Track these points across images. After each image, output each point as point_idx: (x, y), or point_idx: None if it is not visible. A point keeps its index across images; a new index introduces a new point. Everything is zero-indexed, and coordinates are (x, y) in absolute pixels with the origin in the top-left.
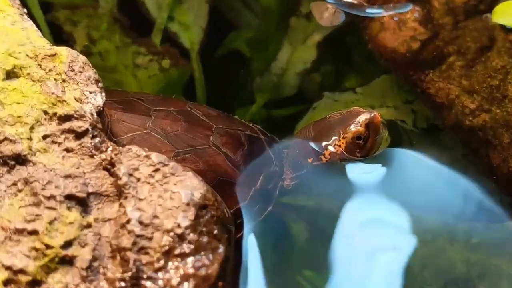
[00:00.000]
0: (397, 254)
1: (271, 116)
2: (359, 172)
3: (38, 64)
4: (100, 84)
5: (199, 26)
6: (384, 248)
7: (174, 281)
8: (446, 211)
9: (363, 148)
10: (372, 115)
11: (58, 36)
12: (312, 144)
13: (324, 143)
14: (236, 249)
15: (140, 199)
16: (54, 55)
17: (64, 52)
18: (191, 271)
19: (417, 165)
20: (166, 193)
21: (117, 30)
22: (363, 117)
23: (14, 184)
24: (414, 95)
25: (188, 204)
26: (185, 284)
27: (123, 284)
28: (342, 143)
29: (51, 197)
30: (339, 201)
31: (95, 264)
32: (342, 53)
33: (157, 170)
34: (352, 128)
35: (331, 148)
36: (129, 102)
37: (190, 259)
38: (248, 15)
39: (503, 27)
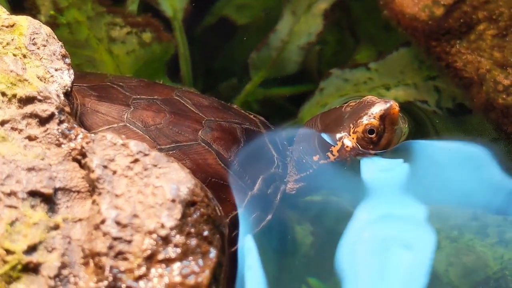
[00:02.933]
0: (418, 251)
1: (269, 97)
2: (374, 171)
3: None
4: (68, 60)
5: None
6: (403, 245)
7: None
8: (475, 204)
9: (378, 143)
10: (388, 105)
11: (18, 3)
12: (319, 139)
13: (332, 138)
14: (231, 259)
15: (117, 196)
16: (12, 25)
17: (24, 22)
18: (177, 279)
19: (442, 157)
20: (148, 188)
21: None
22: (378, 108)
23: None
24: (437, 71)
25: (173, 201)
26: None
27: None
28: (353, 138)
29: (12, 193)
30: (349, 208)
31: (65, 272)
32: (352, 23)
33: (136, 161)
34: (364, 120)
35: (343, 143)
36: (105, 89)
37: (176, 265)
38: None
39: None
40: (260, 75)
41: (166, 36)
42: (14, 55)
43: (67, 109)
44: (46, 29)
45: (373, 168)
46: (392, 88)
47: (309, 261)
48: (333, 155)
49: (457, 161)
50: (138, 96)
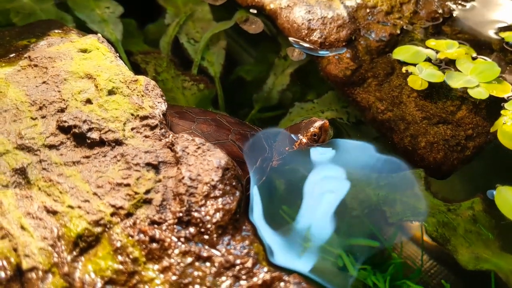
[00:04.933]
0: (338, 192)
1: (263, 117)
2: (315, 153)
3: (127, 86)
4: (164, 98)
5: (219, 63)
6: (330, 190)
7: (211, 212)
8: (366, 168)
9: (318, 141)
10: (323, 122)
11: (137, 70)
12: (289, 138)
13: (295, 138)
14: (247, 198)
15: (189, 165)
16: (136, 80)
17: (142, 78)
18: (220, 206)
19: (349, 146)
20: (204, 161)
21: (172, 66)
22: (318, 123)
23: (115, 157)
24: (348, 103)
25: (218, 167)
26: (217, 214)
27: (180, 214)
28: (306, 137)
29: (137, 164)
30: (303, 169)
31: (164, 203)
32: (305, 79)
33: (199, 147)
34: (311, 129)
35: (301, 140)
36: (182, 113)
37: (220, 199)
38: (247, 57)
39: (399, 61)
40: (258, 106)
41: (211, 85)
42: (137, 95)
43: (164, 122)
44: (153, 82)
45: (316, 152)
46: (325, 112)
47: (283, 197)
48: (296, 146)
49: (357, 148)
50: (199, 117)
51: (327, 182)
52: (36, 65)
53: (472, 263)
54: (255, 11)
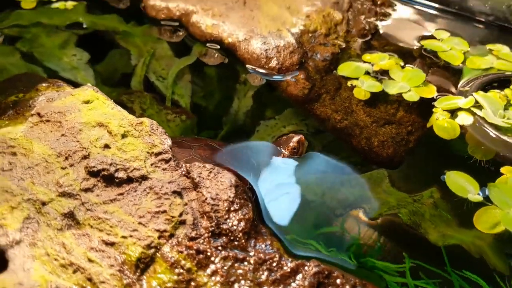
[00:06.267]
0: (316, 193)
1: (231, 137)
2: (295, 162)
3: (134, 128)
4: (167, 134)
5: (188, 95)
6: (314, 193)
7: (235, 223)
8: (336, 172)
9: (297, 153)
10: (300, 137)
11: (124, 109)
12: (272, 153)
13: (279, 151)
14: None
15: (207, 187)
16: (141, 123)
17: (146, 120)
18: (241, 216)
19: (321, 156)
20: (218, 182)
21: (154, 103)
22: (295, 138)
23: (144, 190)
24: (305, 116)
25: (231, 186)
26: (241, 223)
27: (212, 228)
28: (287, 151)
29: (166, 193)
30: (285, 176)
31: (195, 221)
32: (266, 100)
33: (210, 172)
34: (290, 144)
35: (283, 154)
36: (178, 143)
37: (239, 211)
38: (210, 85)
39: (343, 77)
40: (227, 127)
41: (191, 116)
42: (146, 135)
43: (174, 155)
44: (155, 122)
45: (294, 162)
46: (286, 126)
47: (280, 203)
48: (281, 158)
49: (327, 157)
50: (193, 144)
51: (310, 186)
52: (48, 120)
53: (441, 240)
54: (215, 45)
